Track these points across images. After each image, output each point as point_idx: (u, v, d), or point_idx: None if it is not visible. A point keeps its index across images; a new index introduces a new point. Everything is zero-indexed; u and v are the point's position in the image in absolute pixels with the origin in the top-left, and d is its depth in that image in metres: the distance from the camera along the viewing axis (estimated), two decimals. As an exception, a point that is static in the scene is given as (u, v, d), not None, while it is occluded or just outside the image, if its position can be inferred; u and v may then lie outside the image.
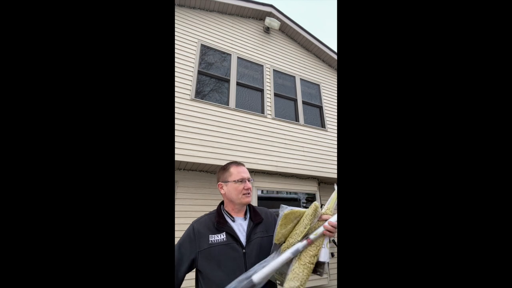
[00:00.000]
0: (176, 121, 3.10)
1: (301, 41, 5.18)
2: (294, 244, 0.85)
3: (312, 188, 4.08)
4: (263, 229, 1.00)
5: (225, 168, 1.07)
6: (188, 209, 3.05)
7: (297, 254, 0.84)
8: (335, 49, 5.39)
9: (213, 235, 0.93)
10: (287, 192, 3.93)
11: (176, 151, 2.95)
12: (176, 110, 3.17)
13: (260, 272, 0.79)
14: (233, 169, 1.04)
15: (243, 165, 1.08)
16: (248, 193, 1.01)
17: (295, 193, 3.99)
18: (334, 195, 0.93)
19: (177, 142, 3.01)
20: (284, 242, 0.90)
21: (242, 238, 0.94)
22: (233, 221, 0.99)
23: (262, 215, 1.05)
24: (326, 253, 0.85)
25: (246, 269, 0.87)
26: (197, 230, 0.96)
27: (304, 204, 4.02)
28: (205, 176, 3.39)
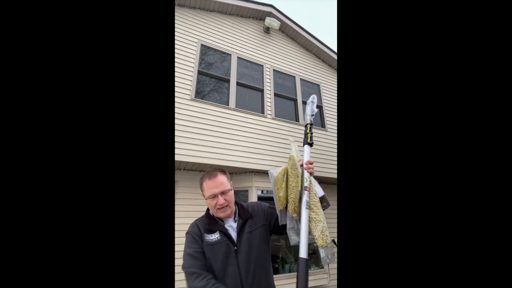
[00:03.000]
0: (176, 121, 3.10)
1: (301, 41, 5.18)
2: (297, 198, 0.92)
3: (312, 188, 4.07)
4: (252, 223, 1.03)
5: (200, 180, 1.04)
6: (188, 209, 3.05)
7: (308, 205, 0.90)
8: (335, 49, 5.39)
9: (208, 235, 0.98)
10: (287, 192, 3.91)
11: (176, 151, 2.94)
12: (176, 110, 3.17)
13: (303, 248, 0.84)
14: (205, 184, 1.00)
15: (216, 176, 1.00)
16: (223, 208, 0.98)
17: (295, 193, 3.97)
18: (293, 146, 1.04)
19: (177, 142, 3.01)
20: (287, 204, 0.94)
21: (234, 237, 0.99)
22: (224, 223, 1.03)
23: (249, 209, 1.08)
24: (319, 188, 0.95)
25: (238, 266, 0.93)
26: (196, 232, 1.00)
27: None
28: (205, 176, 3.38)
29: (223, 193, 0.98)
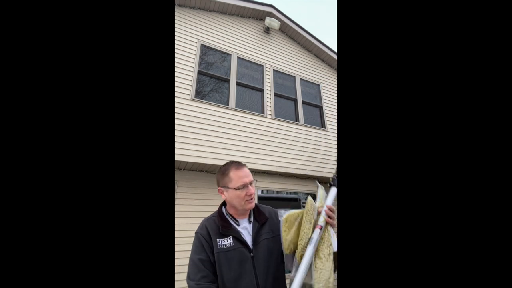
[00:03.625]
0: (176, 121, 3.10)
1: (301, 41, 5.18)
2: (307, 243, 0.82)
3: (312, 188, 4.08)
4: (268, 230, 0.95)
5: (224, 172, 0.96)
6: (188, 209, 3.05)
7: (316, 244, 0.81)
8: (335, 49, 5.39)
9: (220, 240, 0.89)
10: (287, 192, 3.93)
11: (176, 151, 2.95)
12: (176, 110, 3.17)
13: (295, 285, 0.75)
14: (232, 174, 0.93)
15: (244, 166, 0.97)
16: (251, 199, 0.93)
17: (295, 193, 3.99)
18: (321, 193, 0.93)
19: (177, 142, 3.01)
20: (295, 250, 0.85)
21: (249, 241, 0.91)
22: (238, 224, 0.95)
23: (266, 213, 1.00)
24: (335, 242, 0.85)
25: (255, 273, 0.85)
26: (205, 236, 0.91)
27: (304, 204, 4.02)
28: (205, 176, 3.39)
29: (251, 183, 0.94)
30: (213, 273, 0.85)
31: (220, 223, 0.92)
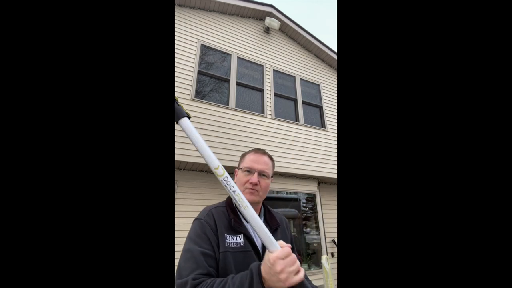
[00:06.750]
0: (176, 121, 3.10)
1: (301, 41, 5.18)
2: None
3: (312, 188, 4.09)
4: (278, 238, 0.79)
5: (244, 154, 0.90)
6: (188, 209, 3.05)
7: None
8: (335, 49, 5.40)
9: (229, 236, 0.74)
10: (287, 192, 3.93)
11: (176, 151, 2.95)
12: (176, 110, 3.16)
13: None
14: (247, 156, 0.86)
15: (263, 154, 0.86)
16: (253, 190, 0.79)
17: (295, 193, 3.99)
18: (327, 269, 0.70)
19: (177, 142, 3.01)
20: None
21: (259, 246, 0.77)
22: (247, 221, 0.77)
23: (277, 219, 0.89)
24: None
25: None
26: (212, 226, 0.74)
27: (304, 204, 4.02)
28: (205, 176, 3.39)
29: (261, 174, 0.81)
30: (215, 274, 0.68)
31: (231, 215, 0.77)
